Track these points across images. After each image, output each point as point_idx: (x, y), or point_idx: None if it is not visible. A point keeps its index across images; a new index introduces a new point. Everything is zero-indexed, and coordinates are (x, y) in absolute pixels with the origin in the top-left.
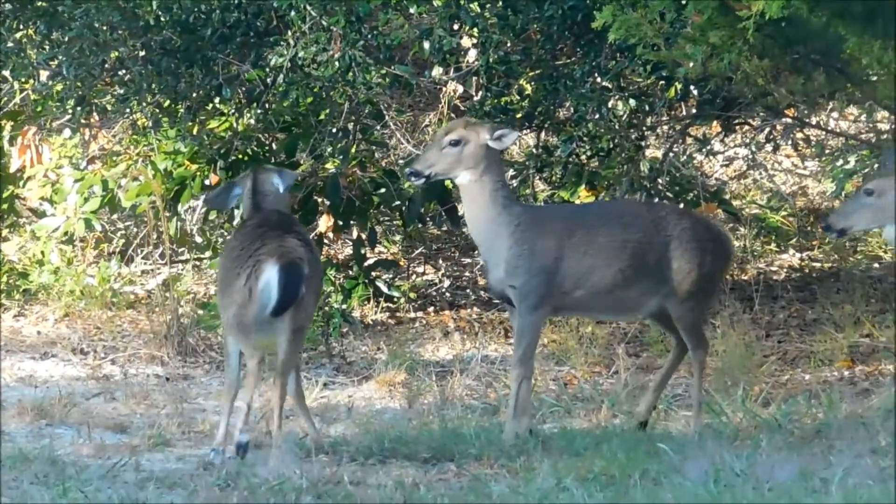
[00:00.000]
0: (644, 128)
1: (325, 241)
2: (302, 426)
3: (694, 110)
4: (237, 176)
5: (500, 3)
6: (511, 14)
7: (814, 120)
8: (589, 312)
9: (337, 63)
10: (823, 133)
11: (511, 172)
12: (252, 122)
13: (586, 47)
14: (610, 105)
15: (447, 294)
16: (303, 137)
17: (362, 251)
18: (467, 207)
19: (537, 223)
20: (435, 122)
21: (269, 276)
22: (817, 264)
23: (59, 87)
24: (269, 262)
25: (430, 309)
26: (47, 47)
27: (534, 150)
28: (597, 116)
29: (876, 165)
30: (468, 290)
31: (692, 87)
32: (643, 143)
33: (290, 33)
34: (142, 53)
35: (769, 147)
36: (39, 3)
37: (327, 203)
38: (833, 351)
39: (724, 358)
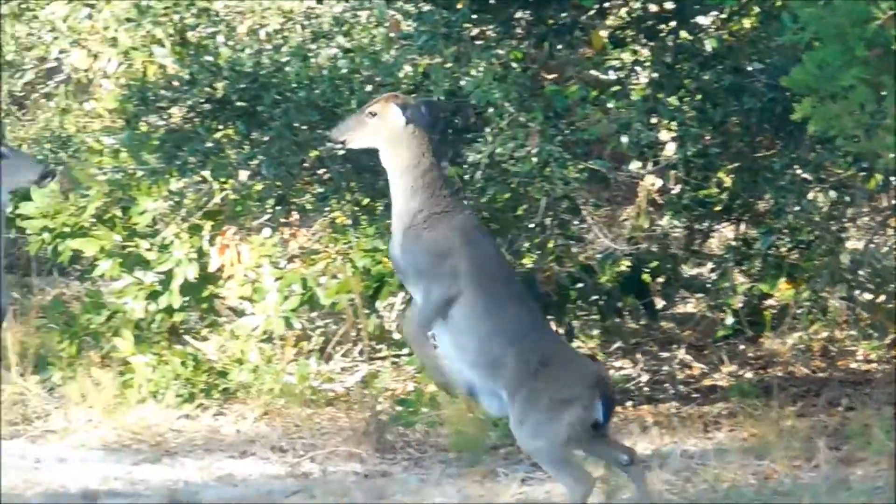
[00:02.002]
0: (844, 219)
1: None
2: None
3: (895, 201)
4: None
5: (699, 96)
6: (710, 107)
7: None
8: None
9: (534, 158)
10: None
11: (710, 265)
12: None
13: (786, 139)
14: (810, 197)
15: (645, 388)
16: (500, 233)
17: None
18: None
19: (436, 222)
20: (633, 216)
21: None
22: None
23: (258, 186)
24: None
25: (629, 403)
26: (247, 147)
27: (733, 243)
28: (797, 208)
29: None
30: (666, 385)
31: (892, 178)
32: (843, 235)
33: (487, 130)
34: (341, 152)
35: None
36: (239, 104)
37: None
38: None
39: None
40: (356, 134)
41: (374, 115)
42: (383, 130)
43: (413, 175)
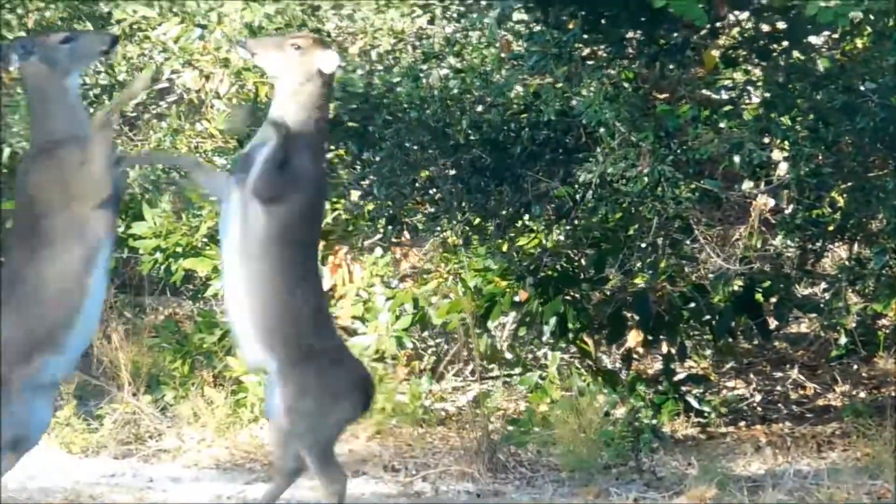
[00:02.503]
0: None
1: (635, 356)
2: None
3: None
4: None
5: (811, 115)
6: (822, 126)
7: None
8: None
9: (646, 178)
10: None
11: (823, 285)
12: (561, 238)
13: None
14: None
15: (758, 408)
16: (611, 253)
17: (672, 366)
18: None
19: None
20: (745, 236)
21: None
22: None
23: (370, 206)
24: None
25: (741, 423)
26: (358, 167)
27: (846, 263)
28: None
29: None
30: (780, 405)
31: None
32: None
33: (598, 150)
34: (452, 172)
35: None
36: (350, 124)
37: (636, 318)
38: None
39: None
40: (270, 56)
41: (298, 48)
42: (301, 67)
43: (302, 122)
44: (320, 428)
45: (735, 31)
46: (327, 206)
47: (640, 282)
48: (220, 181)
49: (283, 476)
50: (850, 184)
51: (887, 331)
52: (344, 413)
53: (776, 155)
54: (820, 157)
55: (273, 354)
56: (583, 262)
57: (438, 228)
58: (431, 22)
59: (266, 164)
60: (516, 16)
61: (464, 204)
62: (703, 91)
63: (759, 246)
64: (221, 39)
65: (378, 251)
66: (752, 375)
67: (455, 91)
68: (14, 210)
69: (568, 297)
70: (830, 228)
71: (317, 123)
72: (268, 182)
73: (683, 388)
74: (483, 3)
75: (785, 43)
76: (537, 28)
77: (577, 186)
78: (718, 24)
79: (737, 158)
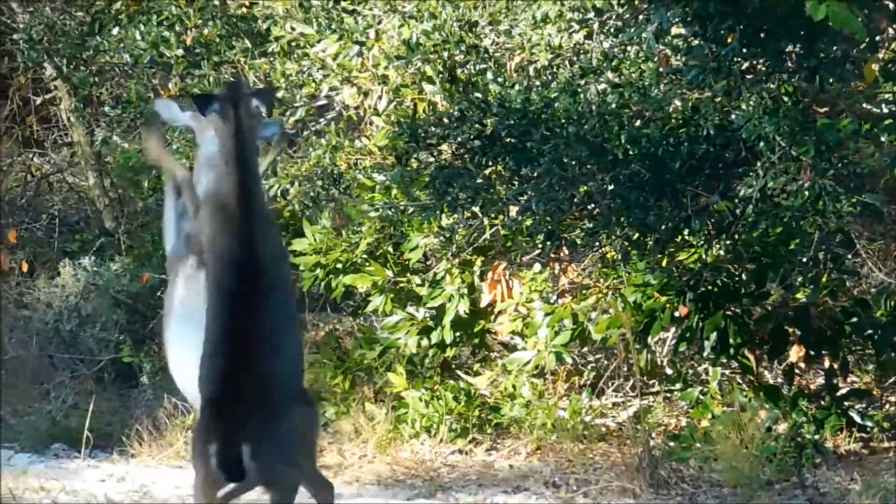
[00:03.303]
0: None
1: (797, 371)
2: None
3: None
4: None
5: None
6: None
7: None
8: None
9: (807, 192)
10: None
11: None
12: (721, 252)
13: None
14: None
15: None
16: (772, 267)
17: (834, 381)
18: None
19: None
20: None
21: None
22: None
23: (528, 221)
24: None
25: None
26: (516, 183)
27: None
28: None
29: None
30: None
31: None
32: None
33: (759, 164)
34: (611, 187)
35: None
36: (508, 140)
37: (798, 333)
38: None
39: None
40: None
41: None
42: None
43: None
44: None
45: (895, 44)
46: (485, 222)
47: (801, 297)
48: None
49: None
50: None
51: None
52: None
53: None
54: None
55: None
56: (743, 276)
57: (597, 243)
58: (589, 37)
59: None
60: (674, 30)
61: (622, 219)
62: (864, 105)
63: None
64: (380, 56)
65: (537, 267)
66: None
67: (613, 106)
68: None
69: (728, 313)
70: None
71: None
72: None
73: (846, 403)
74: (641, 17)
75: None
76: (696, 42)
77: (736, 201)
78: (878, 38)
79: None
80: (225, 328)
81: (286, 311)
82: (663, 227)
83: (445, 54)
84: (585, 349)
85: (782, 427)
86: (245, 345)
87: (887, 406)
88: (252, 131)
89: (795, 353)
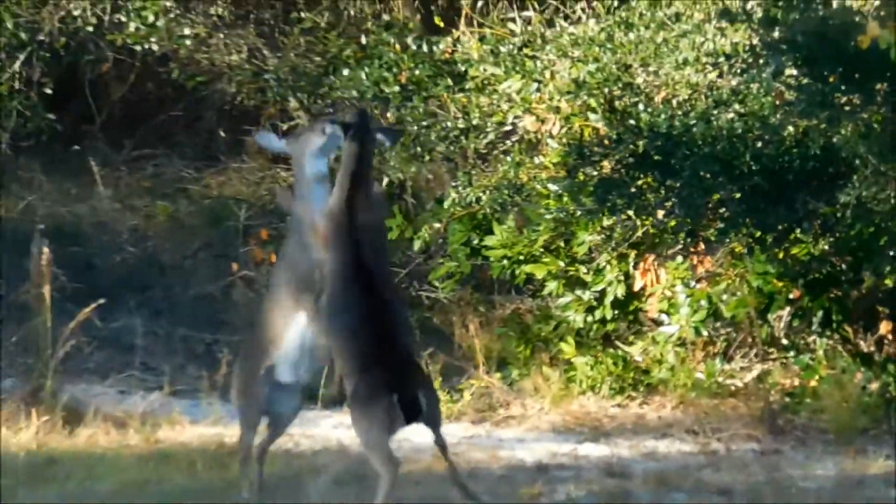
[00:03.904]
0: None
1: (885, 341)
2: None
3: None
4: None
5: None
6: None
7: None
8: None
9: (893, 200)
10: None
11: None
12: (825, 247)
13: None
14: None
15: None
16: (867, 259)
17: None
18: None
19: None
20: None
21: None
22: None
23: (672, 223)
24: None
25: None
26: (663, 191)
27: None
28: None
29: None
30: None
31: None
32: None
33: (855, 177)
34: (737, 195)
35: None
36: (656, 157)
37: (887, 311)
38: None
39: None
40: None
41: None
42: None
43: None
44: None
45: None
46: (638, 222)
47: (889, 282)
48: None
49: None
50: None
51: None
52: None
53: None
54: None
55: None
56: (843, 266)
57: (727, 240)
58: (720, 76)
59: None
60: (788, 71)
61: (747, 220)
62: None
63: None
64: (554, 91)
65: (679, 258)
66: None
67: (739, 131)
68: None
69: (832, 295)
70: None
71: None
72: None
73: None
74: (761, 61)
75: None
76: (805, 81)
77: (837, 206)
78: None
79: None
80: (364, 314)
81: (400, 296)
82: (780, 227)
83: (606, 90)
84: (718, 324)
85: (874, 386)
86: (387, 324)
87: None
88: (370, 155)
89: (885, 327)
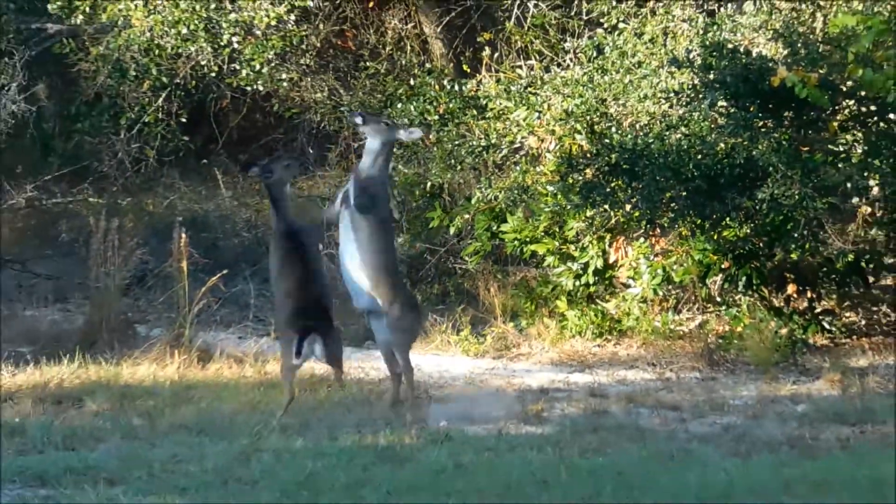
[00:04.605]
0: None
1: (792, 298)
2: None
3: None
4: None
5: (892, 160)
6: None
7: None
8: None
9: (797, 196)
10: None
11: None
12: (748, 231)
13: None
14: None
15: (863, 328)
16: (778, 239)
17: (813, 304)
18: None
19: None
20: (853, 230)
21: None
22: None
23: (636, 213)
24: None
25: (854, 337)
26: (629, 191)
27: None
28: None
29: None
30: (875, 326)
31: None
32: None
33: (769, 180)
34: (684, 194)
35: None
36: (624, 166)
37: (792, 276)
38: None
39: None
40: (370, 127)
41: (388, 126)
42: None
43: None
44: (409, 339)
45: (846, 110)
46: (612, 214)
47: (794, 256)
48: (335, 209)
49: (394, 378)
50: None
51: None
52: (416, 333)
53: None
54: None
55: (379, 297)
56: (761, 245)
57: (676, 226)
58: (671, 107)
59: (356, 194)
60: (720, 103)
61: (691, 212)
62: (829, 146)
63: (862, 234)
64: (550, 119)
65: (641, 239)
66: (860, 309)
67: (685, 147)
68: None
69: (753, 265)
70: None
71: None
72: (359, 203)
73: (820, 317)
74: (701, 96)
75: (875, 118)
76: (733, 110)
77: (756, 201)
78: (836, 107)
79: (849, 185)
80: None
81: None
82: (714, 216)
83: (588, 117)
84: (670, 287)
85: (784, 331)
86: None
87: (843, 318)
88: (391, 144)
89: (791, 289)
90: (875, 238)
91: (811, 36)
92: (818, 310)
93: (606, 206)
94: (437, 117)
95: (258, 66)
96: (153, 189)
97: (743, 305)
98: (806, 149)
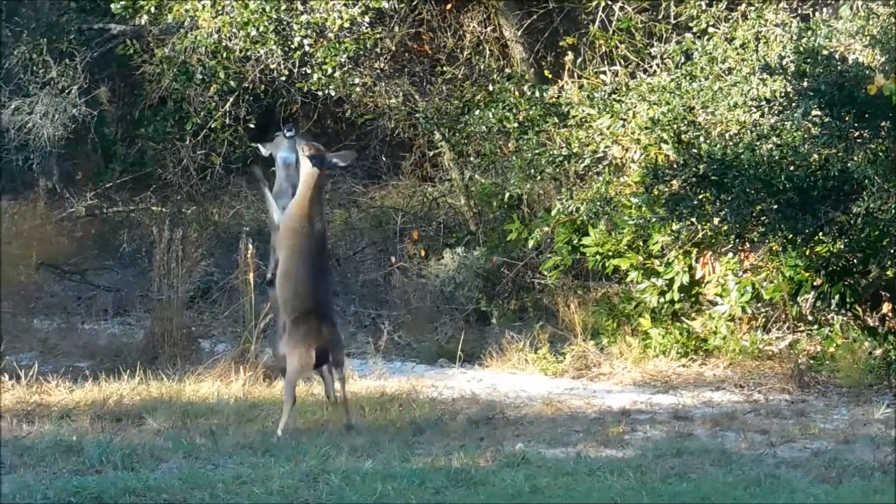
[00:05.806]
0: None
1: (887, 318)
2: None
3: None
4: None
5: None
6: None
7: None
8: None
9: (893, 210)
10: None
11: None
12: (842, 246)
13: None
14: None
15: None
16: (873, 255)
17: None
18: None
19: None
20: None
21: None
22: None
23: (725, 227)
24: None
25: None
26: (718, 203)
27: None
28: None
29: None
30: None
31: None
32: None
33: (864, 192)
34: (775, 207)
35: None
36: (713, 178)
37: (888, 294)
38: None
39: None
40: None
41: (303, 151)
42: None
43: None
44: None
45: None
46: (699, 227)
47: (890, 273)
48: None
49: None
50: None
51: None
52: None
53: None
54: None
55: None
56: (855, 261)
57: (767, 241)
58: (762, 116)
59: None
60: (814, 112)
61: (782, 226)
62: None
63: None
64: (635, 127)
65: (730, 255)
66: None
67: (776, 158)
68: None
69: (846, 283)
70: None
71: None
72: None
73: None
74: (794, 104)
75: None
76: (827, 119)
77: (851, 215)
78: None
79: None
80: (309, 270)
81: (330, 275)
82: (807, 231)
83: (675, 126)
84: (759, 304)
85: (878, 352)
86: (320, 279)
87: None
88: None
89: (886, 307)
90: None
91: None
92: None
93: (693, 220)
94: (516, 125)
95: (330, 70)
96: (219, 198)
97: (836, 325)
98: None
